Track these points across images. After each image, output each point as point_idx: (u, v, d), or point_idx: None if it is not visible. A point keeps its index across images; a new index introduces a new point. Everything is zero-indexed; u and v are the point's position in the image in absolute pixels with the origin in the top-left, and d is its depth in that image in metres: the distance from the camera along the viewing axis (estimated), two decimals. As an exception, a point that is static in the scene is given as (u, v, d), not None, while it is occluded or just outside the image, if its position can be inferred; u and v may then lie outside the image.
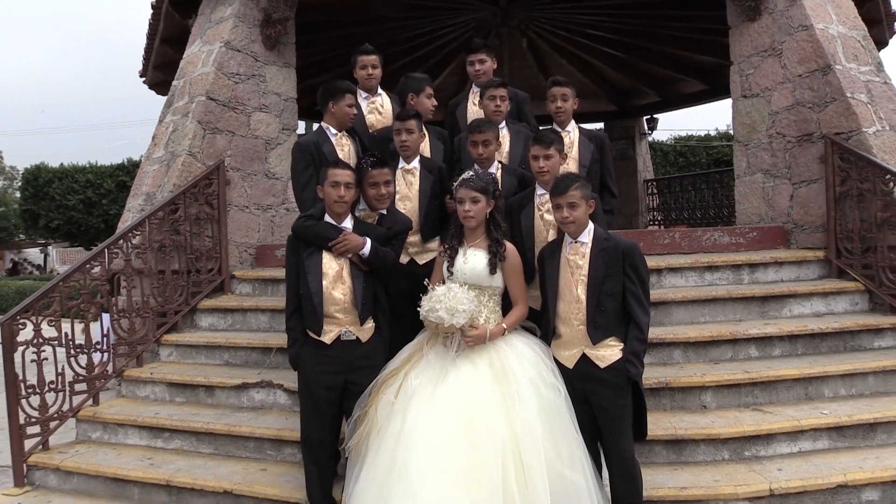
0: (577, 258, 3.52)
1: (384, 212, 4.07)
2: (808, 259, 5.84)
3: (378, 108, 5.13)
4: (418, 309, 3.51)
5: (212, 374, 5.38)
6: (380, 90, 5.24)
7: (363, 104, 5.12)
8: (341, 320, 3.77)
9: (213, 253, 6.39)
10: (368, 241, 3.82)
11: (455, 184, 3.68)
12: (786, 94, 6.21)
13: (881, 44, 8.88)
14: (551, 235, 3.87)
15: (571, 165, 4.42)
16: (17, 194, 34.87)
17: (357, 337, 3.79)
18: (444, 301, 3.42)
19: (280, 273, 6.17)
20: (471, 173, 3.71)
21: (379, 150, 4.89)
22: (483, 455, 3.24)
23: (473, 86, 5.22)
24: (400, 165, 4.37)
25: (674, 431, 4.24)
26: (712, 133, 25.25)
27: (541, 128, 4.66)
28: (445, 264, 3.72)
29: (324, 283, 3.75)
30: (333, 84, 4.83)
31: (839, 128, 5.81)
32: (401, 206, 4.27)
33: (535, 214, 3.97)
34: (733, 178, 7.71)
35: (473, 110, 5.08)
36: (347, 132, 4.97)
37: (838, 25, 6.22)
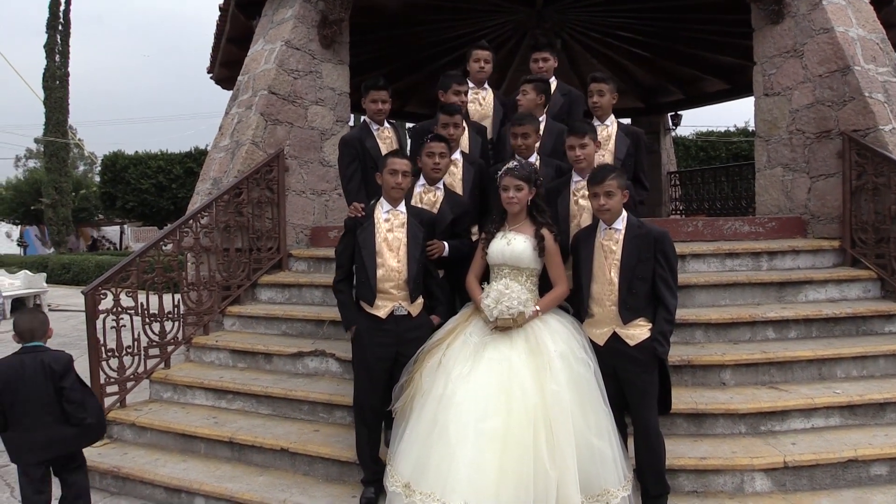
0: (611, 243, 3.48)
1: (440, 187, 4.11)
2: (823, 248, 5.70)
3: (480, 100, 5.11)
4: (491, 311, 3.47)
5: (270, 343, 5.44)
6: (486, 85, 5.21)
7: (469, 94, 5.09)
8: (395, 296, 3.78)
9: (272, 233, 6.44)
10: (446, 244, 3.96)
11: (500, 173, 3.66)
12: (806, 93, 6.04)
13: (898, 46, 8.58)
14: (585, 219, 3.83)
15: (607, 158, 4.34)
16: (97, 178, 35.64)
17: (408, 311, 3.80)
18: (512, 297, 3.43)
19: (332, 252, 6.17)
20: (514, 163, 3.68)
21: (415, 143, 4.91)
22: (516, 420, 3.25)
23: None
24: None
25: (695, 406, 4.18)
26: (732, 129, 24.71)
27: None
28: (482, 245, 3.72)
29: (378, 260, 3.77)
30: (365, 82, 4.84)
31: (857, 125, 5.64)
32: None
33: (571, 200, 3.93)
34: (751, 172, 7.56)
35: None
36: (390, 124, 4.98)
37: (858, 28, 6.02)
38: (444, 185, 4.17)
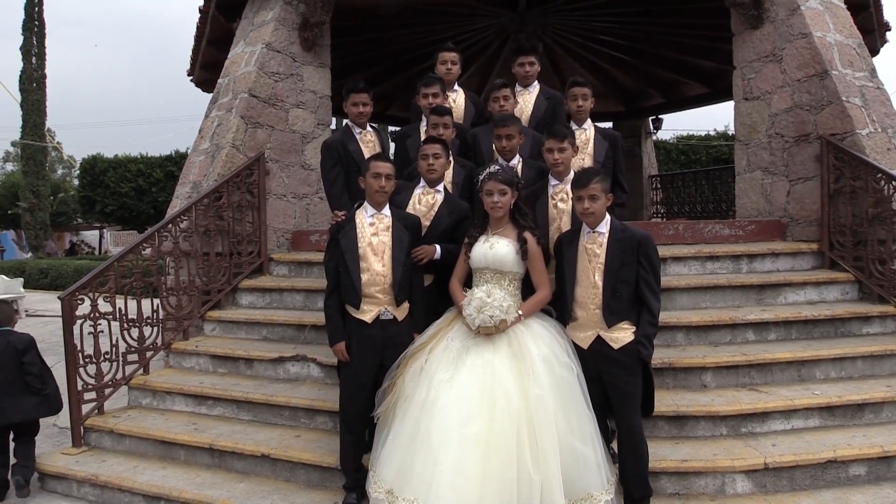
0: (595, 247, 3.49)
1: (440, 189, 4.09)
2: (802, 251, 5.76)
3: (451, 102, 5.07)
4: (474, 321, 3.45)
5: (251, 348, 5.39)
6: (456, 86, 5.18)
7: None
8: (381, 300, 3.75)
9: (253, 237, 6.39)
10: (438, 247, 3.94)
11: (481, 177, 3.65)
12: (785, 98, 6.10)
13: (873, 52, 8.71)
14: (565, 224, 3.83)
15: (587, 161, 4.36)
16: (76, 182, 35.23)
17: (394, 316, 3.78)
18: (494, 306, 3.41)
19: (314, 256, 6.19)
20: (497, 167, 3.68)
21: (399, 146, 4.89)
22: (500, 424, 3.25)
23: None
24: None
25: (676, 408, 4.20)
26: (712, 133, 24.98)
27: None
28: (464, 250, 3.71)
29: (362, 265, 3.75)
30: (346, 85, 4.82)
31: (834, 129, 5.71)
32: None
33: (549, 204, 3.93)
34: (731, 175, 7.63)
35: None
36: (372, 127, 4.96)
37: (835, 34, 6.10)
38: (444, 188, 4.15)
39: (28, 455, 4.60)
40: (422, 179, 4.13)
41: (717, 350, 4.74)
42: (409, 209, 4.06)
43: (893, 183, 5.21)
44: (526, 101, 5.09)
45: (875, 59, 7.01)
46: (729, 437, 4.17)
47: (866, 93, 5.89)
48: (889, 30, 9.06)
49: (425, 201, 4.09)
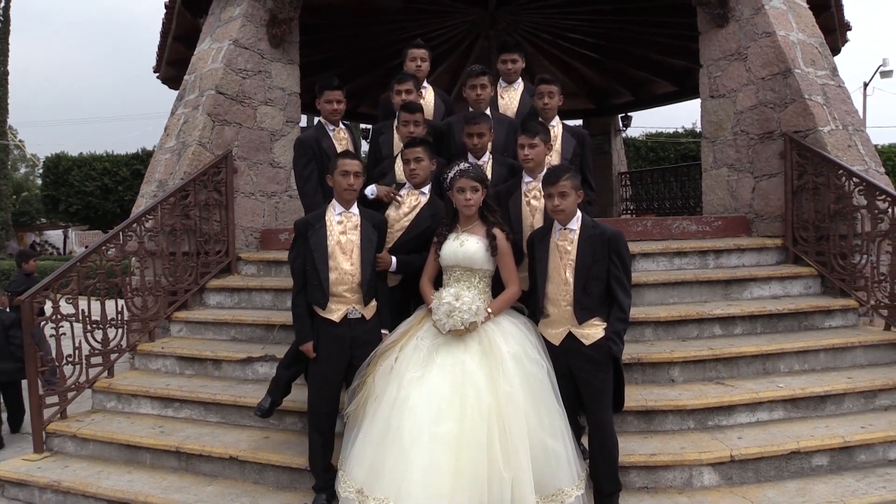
0: (566, 244, 3.49)
1: (425, 192, 4.06)
2: (767, 246, 5.85)
3: (420, 100, 5.03)
4: (444, 326, 3.44)
5: (219, 349, 5.32)
6: (426, 83, 5.13)
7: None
8: (349, 299, 3.72)
9: (220, 236, 6.31)
10: (394, 259, 3.91)
11: (451, 175, 3.63)
12: (750, 95, 6.20)
13: (835, 51, 8.89)
14: (537, 221, 3.84)
15: (555, 158, 4.35)
16: (39, 181, 34.49)
17: (362, 315, 3.75)
18: (463, 310, 3.40)
19: (283, 255, 6.11)
20: (467, 165, 3.66)
21: (372, 143, 4.85)
22: (470, 422, 3.24)
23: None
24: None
25: (645, 403, 4.23)
26: (680, 130, 25.30)
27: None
28: (434, 248, 3.69)
29: (331, 263, 3.71)
30: (320, 82, 4.77)
31: (797, 126, 5.82)
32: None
33: (522, 201, 3.93)
34: (699, 172, 7.72)
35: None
36: (344, 125, 4.92)
37: (798, 33, 6.21)
38: (430, 191, 4.09)
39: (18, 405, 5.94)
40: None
41: (685, 345, 4.80)
42: (392, 209, 4.05)
43: (854, 179, 5.33)
44: (511, 97, 5.09)
45: (836, 59, 7.14)
46: (696, 431, 4.22)
47: (828, 91, 6.01)
48: (850, 29, 9.25)
49: (409, 202, 4.06)
